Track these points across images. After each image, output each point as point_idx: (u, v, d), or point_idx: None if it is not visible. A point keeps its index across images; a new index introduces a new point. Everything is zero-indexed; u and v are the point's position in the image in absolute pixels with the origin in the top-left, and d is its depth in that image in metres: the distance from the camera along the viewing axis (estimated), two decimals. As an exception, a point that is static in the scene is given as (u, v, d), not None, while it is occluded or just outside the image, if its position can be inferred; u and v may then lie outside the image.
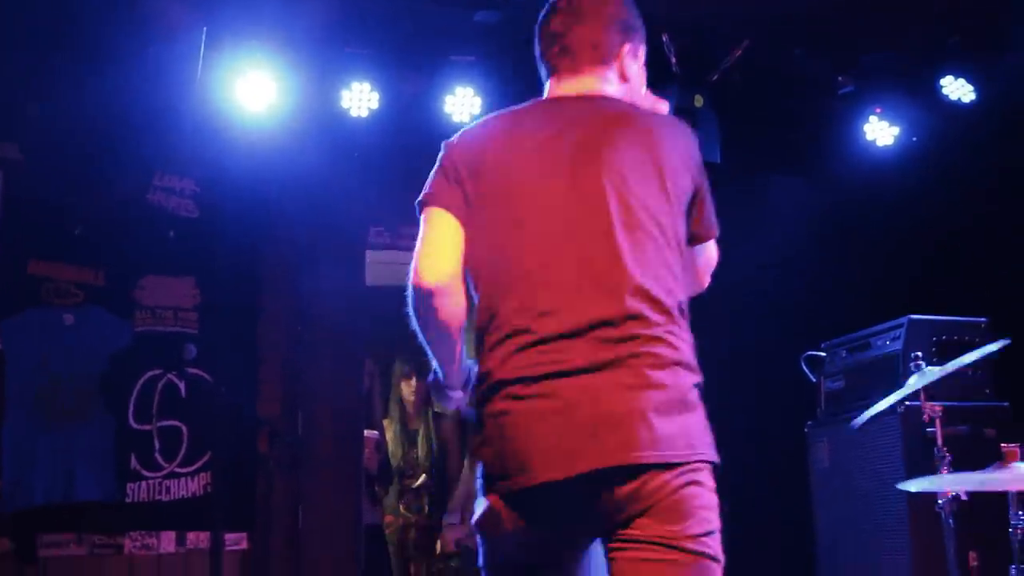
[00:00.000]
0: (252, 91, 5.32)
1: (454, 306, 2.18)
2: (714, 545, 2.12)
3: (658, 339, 2.09)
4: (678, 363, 2.12)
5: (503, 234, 2.22)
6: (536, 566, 2.24)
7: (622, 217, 2.16)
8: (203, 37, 5.27)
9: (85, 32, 5.27)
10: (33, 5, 5.07)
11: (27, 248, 5.41)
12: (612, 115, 2.32)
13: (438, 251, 2.21)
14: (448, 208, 2.21)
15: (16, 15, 5.07)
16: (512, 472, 2.06)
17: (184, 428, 5.62)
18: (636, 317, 2.07)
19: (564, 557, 2.24)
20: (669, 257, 2.18)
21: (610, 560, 2.16)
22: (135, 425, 5.56)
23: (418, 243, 2.26)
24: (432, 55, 5.67)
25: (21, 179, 5.39)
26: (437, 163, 2.29)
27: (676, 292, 2.18)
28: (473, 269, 2.24)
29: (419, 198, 2.29)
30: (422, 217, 2.26)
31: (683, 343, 2.15)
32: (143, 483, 5.54)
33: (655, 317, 2.09)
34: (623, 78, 2.42)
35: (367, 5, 5.41)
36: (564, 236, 2.19)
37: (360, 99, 5.51)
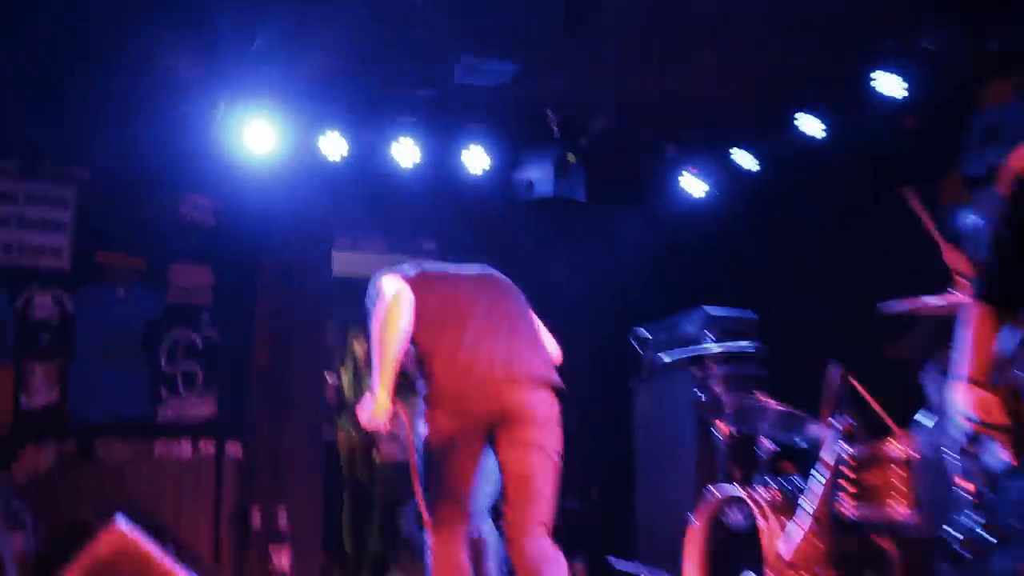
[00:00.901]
0: (255, 136, 6.23)
1: None
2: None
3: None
4: None
5: None
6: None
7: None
8: (220, 97, 6.18)
9: (138, 93, 6.06)
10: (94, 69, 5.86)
11: (93, 242, 6.38)
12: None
13: None
14: None
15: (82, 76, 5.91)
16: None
17: (199, 370, 6.64)
18: None
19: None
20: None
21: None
22: (165, 368, 6.57)
23: None
24: (385, 117, 6.60)
25: (90, 194, 6.35)
26: None
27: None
28: None
29: None
30: None
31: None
32: (169, 406, 6.53)
33: None
34: None
35: (341, 82, 6.25)
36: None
37: (333, 145, 6.48)
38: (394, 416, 3.76)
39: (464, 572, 3.68)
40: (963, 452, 2.59)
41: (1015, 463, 2.43)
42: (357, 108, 6.57)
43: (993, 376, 2.56)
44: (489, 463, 4.79)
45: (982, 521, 2.52)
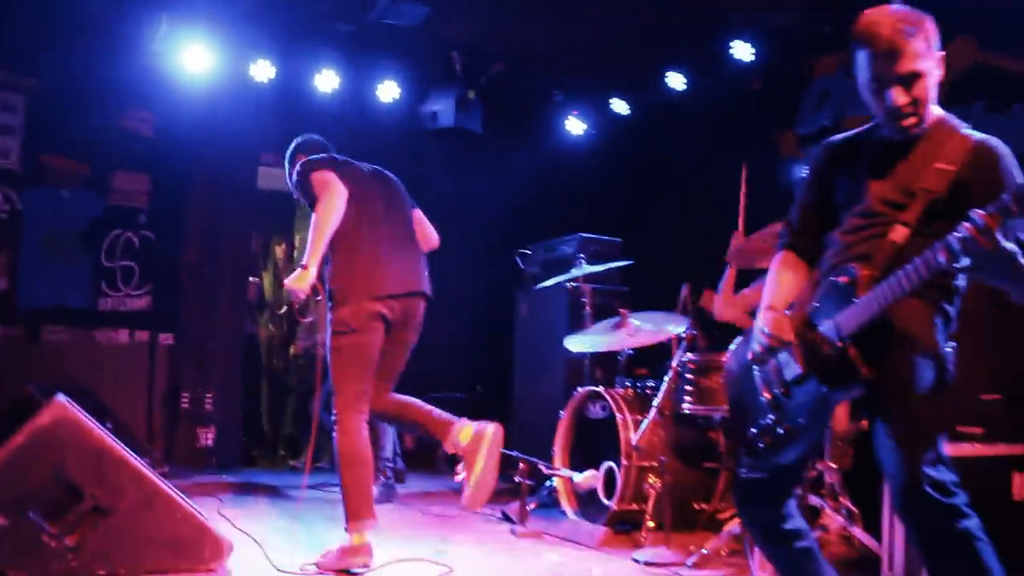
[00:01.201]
0: (193, 58, 6.59)
1: None
2: None
3: None
4: None
5: None
6: None
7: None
8: (162, 19, 6.46)
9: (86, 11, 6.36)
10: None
11: (41, 146, 6.74)
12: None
13: None
14: None
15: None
16: None
17: (136, 266, 7.05)
18: None
19: None
20: None
21: None
22: (105, 263, 6.97)
23: None
24: (310, 48, 7.01)
25: (39, 102, 6.70)
26: None
27: None
28: None
29: None
30: None
31: None
32: (108, 299, 6.97)
33: None
34: None
35: (272, 13, 6.61)
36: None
37: (263, 71, 6.90)
38: (313, 291, 4.04)
39: (365, 447, 4.08)
40: (761, 362, 2.74)
41: (803, 372, 2.62)
42: (285, 39, 6.92)
43: (794, 305, 2.75)
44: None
45: (777, 420, 2.68)
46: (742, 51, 6.44)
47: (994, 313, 2.63)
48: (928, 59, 2.51)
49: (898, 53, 2.46)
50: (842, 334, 2.52)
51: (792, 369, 2.64)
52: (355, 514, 4.00)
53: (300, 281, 3.99)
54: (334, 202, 4.05)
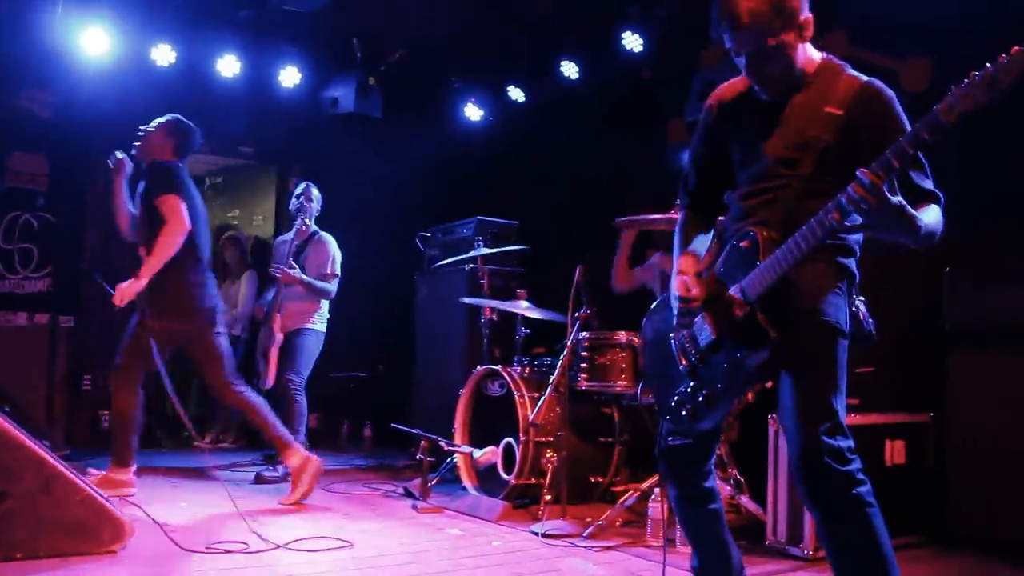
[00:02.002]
0: (92, 40, 6.36)
1: None
2: None
3: None
4: None
5: None
6: None
7: None
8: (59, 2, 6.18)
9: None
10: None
11: None
12: None
13: None
14: None
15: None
16: None
17: (35, 249, 6.85)
18: None
19: None
20: None
21: None
22: (3, 245, 6.73)
23: None
24: (211, 32, 6.83)
25: None
26: None
27: None
28: None
29: None
30: None
31: None
32: (7, 281, 6.76)
33: None
34: None
35: None
36: None
37: (163, 55, 6.74)
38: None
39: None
40: (682, 327, 2.67)
41: (715, 337, 2.57)
42: (187, 23, 6.73)
43: (703, 269, 2.69)
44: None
45: (696, 387, 2.62)
46: (632, 41, 6.48)
47: (866, 292, 2.62)
48: (780, 27, 2.44)
49: (751, 27, 2.42)
50: (749, 298, 2.49)
51: (705, 334, 2.59)
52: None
53: (128, 291, 4.83)
54: (177, 222, 4.80)
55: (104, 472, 4.88)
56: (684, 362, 2.66)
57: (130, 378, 4.88)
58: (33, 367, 6.73)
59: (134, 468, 4.94)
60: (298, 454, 4.99)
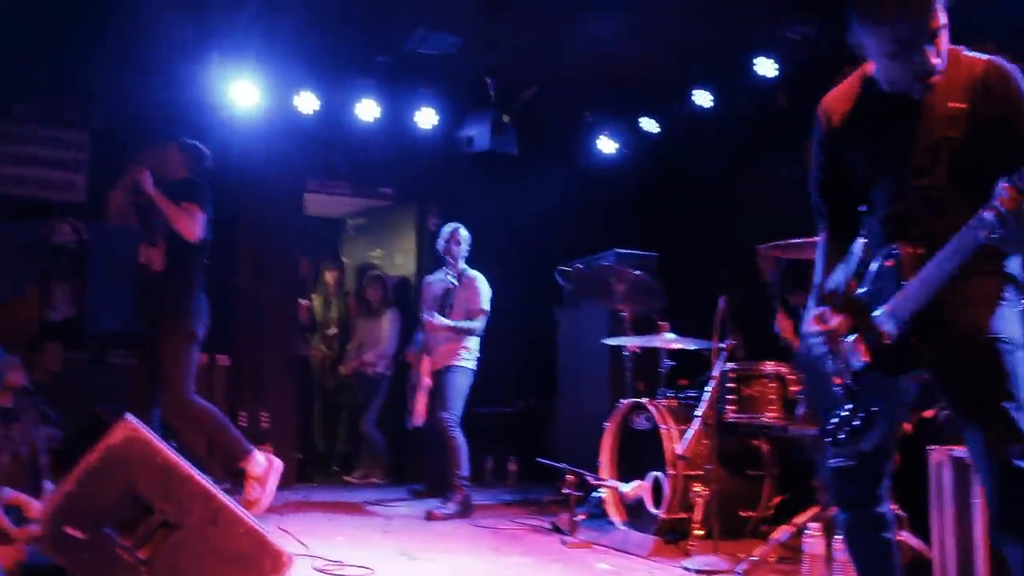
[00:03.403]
0: (241, 92, 6.68)
1: None
2: None
3: None
4: None
5: None
6: None
7: None
8: (212, 58, 6.56)
9: (143, 51, 6.33)
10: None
11: (105, 181, 6.23)
12: None
13: None
14: None
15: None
16: None
17: None
18: None
19: None
20: None
21: None
22: None
23: None
24: (351, 79, 7.08)
25: (102, 140, 6.85)
26: None
27: None
28: None
29: None
30: None
31: None
32: None
33: None
34: None
35: (314, 48, 6.67)
36: None
37: (306, 103, 6.95)
38: None
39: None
40: (831, 357, 2.60)
41: (867, 360, 2.49)
42: (328, 71, 6.98)
43: (841, 294, 2.60)
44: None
45: (853, 409, 2.55)
46: (765, 67, 6.40)
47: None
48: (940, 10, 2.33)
49: (918, 7, 2.29)
50: (900, 320, 2.38)
51: (858, 358, 2.50)
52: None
53: None
54: None
55: (244, 493, 4.89)
56: (839, 383, 2.57)
57: (182, 401, 4.94)
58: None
59: (253, 449, 5.04)
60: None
